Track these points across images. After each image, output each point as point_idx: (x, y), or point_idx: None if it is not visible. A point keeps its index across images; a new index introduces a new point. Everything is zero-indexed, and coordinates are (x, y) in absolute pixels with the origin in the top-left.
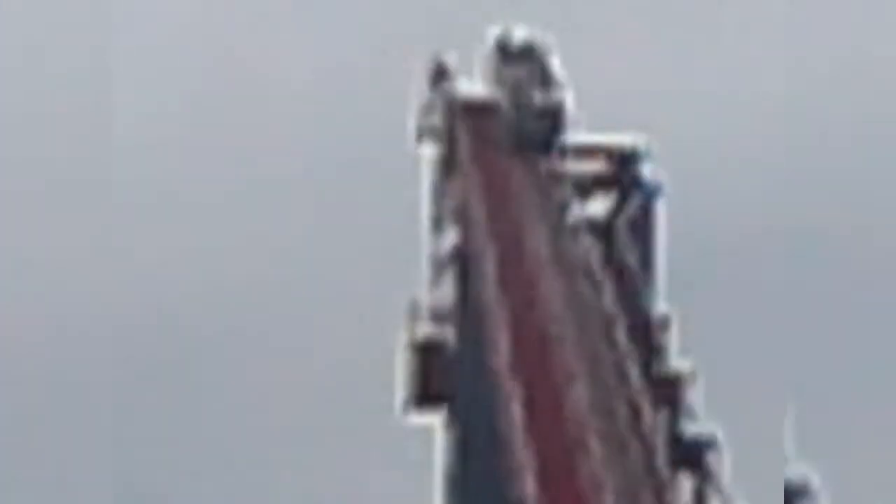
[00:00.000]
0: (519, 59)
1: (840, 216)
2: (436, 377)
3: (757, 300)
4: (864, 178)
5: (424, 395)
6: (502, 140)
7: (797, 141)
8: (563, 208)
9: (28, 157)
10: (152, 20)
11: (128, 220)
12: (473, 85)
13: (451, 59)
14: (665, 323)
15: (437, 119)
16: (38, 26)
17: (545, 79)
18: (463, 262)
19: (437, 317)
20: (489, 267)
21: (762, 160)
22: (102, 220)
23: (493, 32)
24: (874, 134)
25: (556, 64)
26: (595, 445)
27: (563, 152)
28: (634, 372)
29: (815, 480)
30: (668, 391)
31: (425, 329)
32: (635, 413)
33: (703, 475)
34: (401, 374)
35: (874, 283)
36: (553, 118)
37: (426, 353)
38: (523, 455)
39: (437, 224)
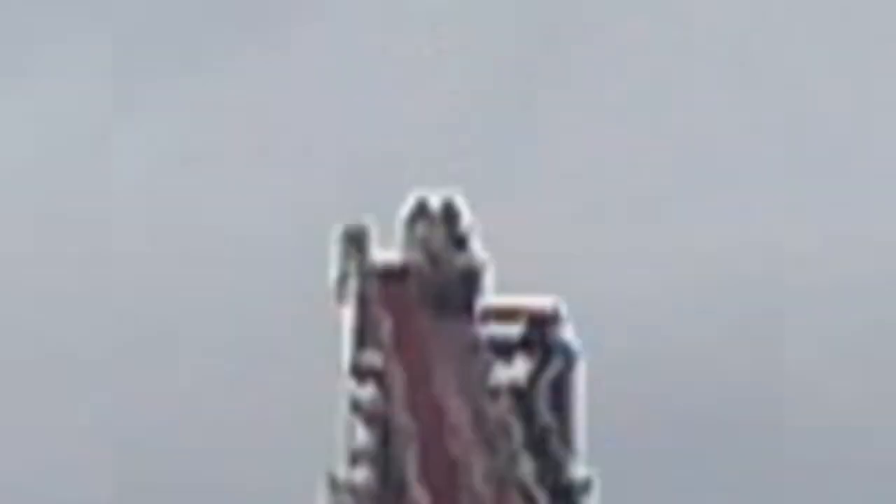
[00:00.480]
0: (436, 223)
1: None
2: None
3: (680, 463)
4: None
5: None
6: (420, 303)
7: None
8: (482, 373)
9: None
10: None
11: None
12: (389, 251)
13: (368, 225)
14: (586, 486)
15: (353, 285)
16: None
17: (462, 241)
18: (382, 436)
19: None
20: (408, 441)
21: (685, 317)
22: None
23: (411, 198)
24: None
25: (473, 226)
26: None
27: (483, 315)
28: None
29: None
30: None
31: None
32: None
33: None
34: None
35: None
36: (471, 280)
37: None
38: None
39: (355, 404)
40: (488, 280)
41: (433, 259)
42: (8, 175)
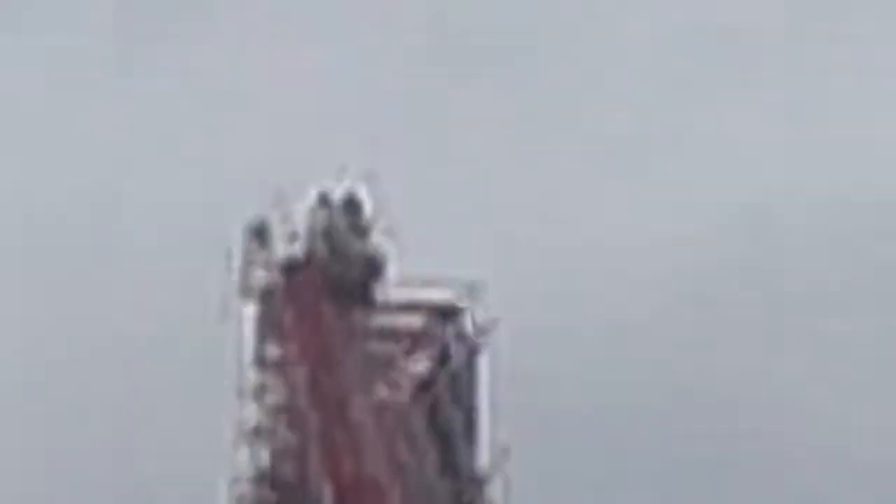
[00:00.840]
0: (338, 212)
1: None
2: None
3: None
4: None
5: None
6: (322, 293)
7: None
8: (385, 365)
9: None
10: None
11: None
12: (292, 244)
13: (271, 219)
14: (487, 480)
15: (256, 278)
16: None
17: (363, 231)
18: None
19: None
20: (310, 434)
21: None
22: None
23: (314, 190)
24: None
25: (375, 217)
26: None
27: (385, 307)
28: None
29: None
30: None
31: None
32: None
33: None
34: None
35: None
36: (370, 266)
37: None
38: None
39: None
40: (391, 270)
41: (334, 249)
42: None
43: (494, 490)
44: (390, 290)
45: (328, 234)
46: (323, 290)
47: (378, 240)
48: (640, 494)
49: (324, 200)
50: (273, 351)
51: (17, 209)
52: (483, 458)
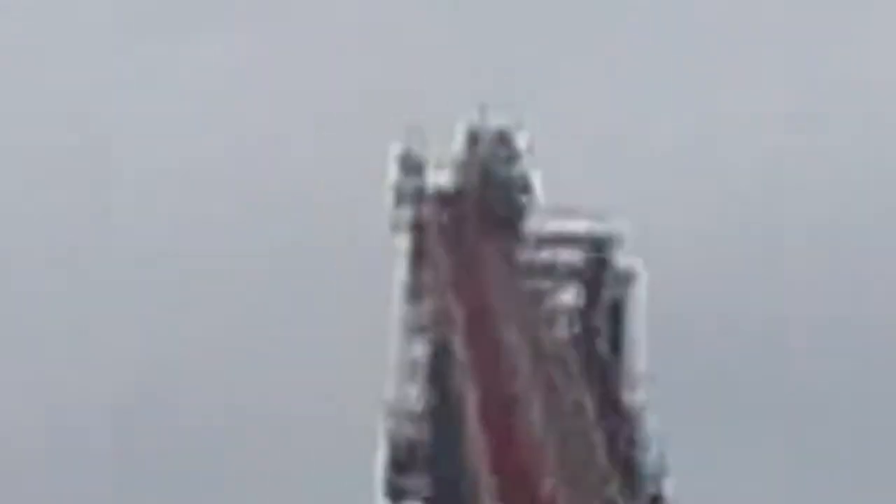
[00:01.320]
0: (489, 145)
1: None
2: (412, 475)
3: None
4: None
5: (401, 492)
6: (473, 219)
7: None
8: (537, 296)
9: None
10: None
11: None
12: (443, 175)
13: (422, 150)
14: (640, 411)
15: (408, 209)
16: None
17: (512, 157)
18: (439, 359)
19: (413, 415)
20: (465, 363)
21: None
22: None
23: (463, 123)
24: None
25: (525, 147)
26: None
27: (539, 240)
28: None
29: None
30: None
31: (401, 427)
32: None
33: None
34: (379, 471)
35: (850, 382)
36: (521, 192)
37: (402, 452)
38: None
39: (411, 323)
40: (540, 194)
41: (485, 175)
42: None
43: (649, 421)
44: (541, 221)
45: (482, 165)
46: (473, 214)
47: (527, 168)
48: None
49: (475, 135)
50: (426, 280)
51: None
52: (636, 388)
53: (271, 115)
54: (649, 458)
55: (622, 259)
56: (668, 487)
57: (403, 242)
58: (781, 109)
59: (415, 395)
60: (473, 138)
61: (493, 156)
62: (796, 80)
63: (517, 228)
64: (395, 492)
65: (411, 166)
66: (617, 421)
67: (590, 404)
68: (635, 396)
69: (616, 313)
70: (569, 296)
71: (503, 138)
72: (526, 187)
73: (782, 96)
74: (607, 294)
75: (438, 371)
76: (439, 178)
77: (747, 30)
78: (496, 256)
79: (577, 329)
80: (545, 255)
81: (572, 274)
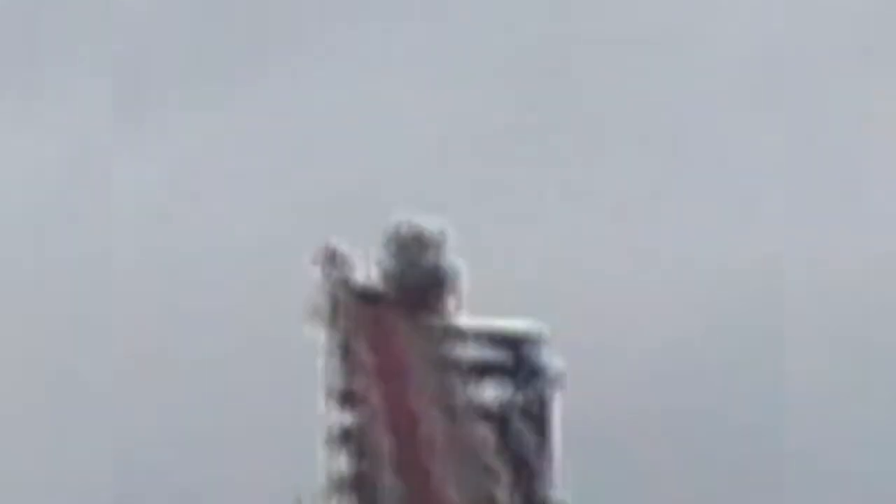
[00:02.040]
0: (412, 244)
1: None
2: None
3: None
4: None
5: None
6: (388, 294)
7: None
8: (457, 392)
9: None
10: None
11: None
12: (365, 272)
13: (344, 247)
14: None
15: (329, 303)
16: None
17: (429, 246)
18: (358, 449)
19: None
20: (385, 454)
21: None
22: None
23: (388, 223)
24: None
25: (446, 237)
26: None
27: (461, 335)
28: None
29: None
30: None
31: None
32: None
33: None
34: None
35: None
36: (435, 275)
37: None
38: None
39: (332, 404)
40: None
41: (408, 264)
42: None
43: None
44: (465, 318)
45: (402, 253)
46: (394, 301)
47: (450, 256)
48: None
49: (397, 234)
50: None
51: None
52: (558, 487)
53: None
54: None
55: (547, 357)
56: None
57: (323, 335)
58: None
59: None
60: (397, 237)
61: (414, 247)
62: None
63: (434, 302)
64: None
65: (332, 260)
66: None
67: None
68: (558, 494)
69: (540, 411)
70: (492, 392)
71: (426, 235)
72: (444, 274)
73: None
74: (531, 392)
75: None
76: (361, 274)
77: None
78: (419, 351)
79: (500, 426)
80: (470, 351)
81: (496, 370)
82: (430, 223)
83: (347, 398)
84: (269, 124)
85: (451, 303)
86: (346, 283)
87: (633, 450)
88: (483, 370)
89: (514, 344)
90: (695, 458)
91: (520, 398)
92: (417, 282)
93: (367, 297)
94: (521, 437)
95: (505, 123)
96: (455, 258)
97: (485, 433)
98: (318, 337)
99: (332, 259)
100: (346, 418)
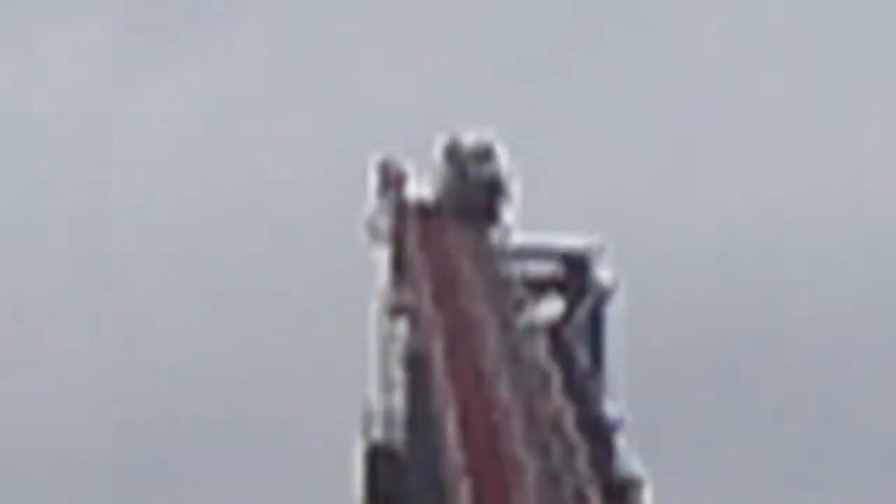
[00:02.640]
0: (468, 156)
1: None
2: (388, 483)
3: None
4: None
5: (377, 500)
6: (446, 209)
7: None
8: (515, 309)
9: None
10: None
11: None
12: (423, 188)
13: (402, 163)
14: (618, 425)
15: (387, 221)
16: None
17: (485, 156)
18: (416, 367)
19: (391, 422)
20: (441, 373)
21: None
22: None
23: (443, 138)
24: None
25: (502, 160)
26: None
27: (517, 253)
28: (583, 465)
29: None
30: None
31: (378, 435)
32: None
33: None
34: (356, 479)
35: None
36: (493, 187)
37: (379, 459)
38: None
39: (389, 329)
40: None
41: (462, 175)
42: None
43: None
44: (522, 237)
45: (459, 165)
46: (449, 211)
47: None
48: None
49: (453, 150)
50: (405, 297)
51: None
52: (614, 406)
53: (254, 129)
54: (627, 470)
55: (602, 272)
56: (647, 496)
57: (382, 254)
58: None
59: (394, 405)
60: (452, 150)
61: (469, 160)
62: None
63: (493, 219)
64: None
65: (390, 178)
66: (596, 434)
67: (569, 417)
68: (614, 410)
69: (595, 327)
70: (547, 308)
71: (481, 147)
72: (499, 185)
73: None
74: (586, 307)
75: (417, 382)
76: (419, 190)
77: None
78: (476, 267)
79: (556, 342)
80: (524, 267)
81: (551, 287)
82: (485, 136)
83: (404, 313)
84: (317, 39)
85: (507, 215)
86: (402, 198)
87: (689, 368)
88: (538, 286)
89: (569, 260)
90: (748, 371)
91: (574, 314)
92: (474, 194)
93: (423, 211)
94: (575, 353)
95: (561, 35)
96: (509, 172)
97: (540, 348)
98: (378, 255)
99: (388, 174)
100: (403, 332)
